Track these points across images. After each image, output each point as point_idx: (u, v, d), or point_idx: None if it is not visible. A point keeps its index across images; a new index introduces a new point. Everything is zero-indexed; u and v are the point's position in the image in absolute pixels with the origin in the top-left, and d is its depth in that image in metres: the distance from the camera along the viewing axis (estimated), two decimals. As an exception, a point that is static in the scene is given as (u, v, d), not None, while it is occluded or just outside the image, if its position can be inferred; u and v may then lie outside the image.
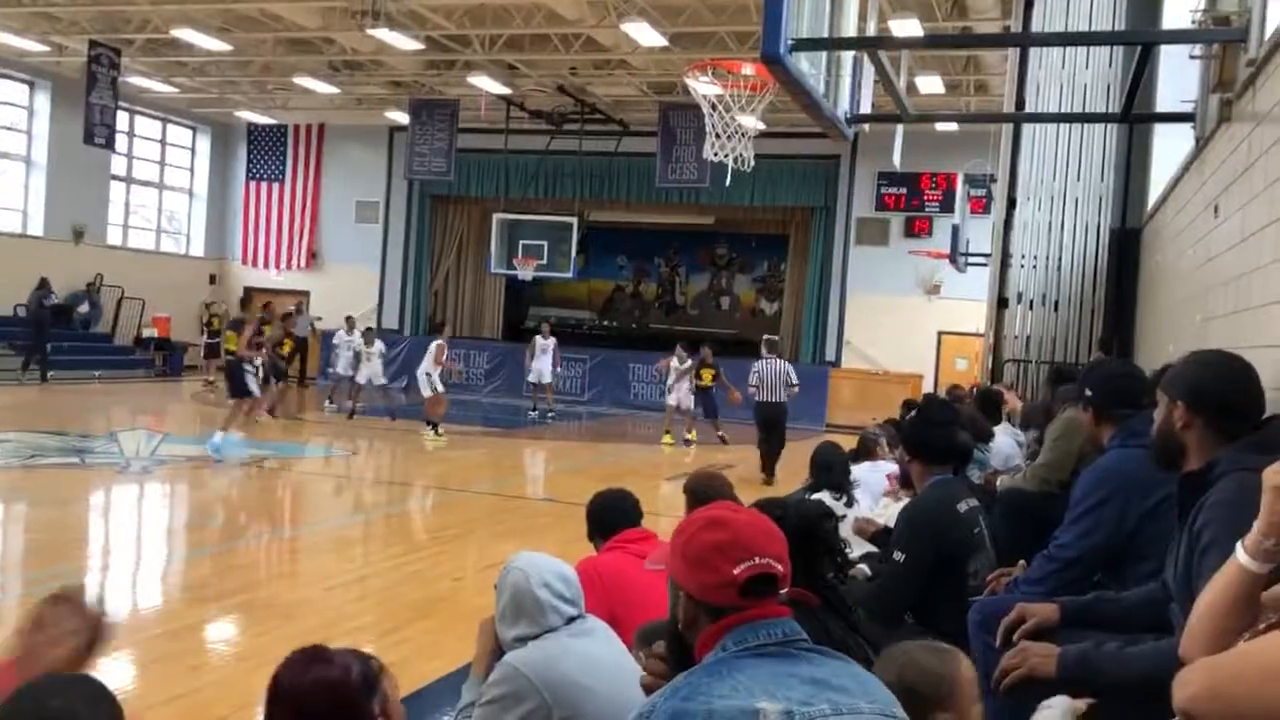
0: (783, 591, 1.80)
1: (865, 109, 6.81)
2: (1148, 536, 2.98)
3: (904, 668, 2.03)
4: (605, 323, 28.02)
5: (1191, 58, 6.32)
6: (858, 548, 4.33)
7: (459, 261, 26.18)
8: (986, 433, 6.34)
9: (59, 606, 2.05)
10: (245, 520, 9.77)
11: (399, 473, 13.36)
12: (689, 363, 15.83)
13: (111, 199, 23.62)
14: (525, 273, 21.30)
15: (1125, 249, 9.66)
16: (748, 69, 10.69)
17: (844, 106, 6.12)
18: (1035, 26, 9.87)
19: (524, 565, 2.76)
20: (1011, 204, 10.26)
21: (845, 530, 4.26)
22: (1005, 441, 6.56)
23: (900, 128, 8.93)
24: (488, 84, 19.50)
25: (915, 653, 2.09)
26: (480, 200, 24.71)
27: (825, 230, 22.42)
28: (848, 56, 6.12)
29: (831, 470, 5.52)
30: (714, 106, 11.15)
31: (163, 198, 25.64)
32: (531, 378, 18.79)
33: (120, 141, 22.06)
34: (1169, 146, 8.35)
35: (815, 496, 5.12)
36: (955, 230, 17.15)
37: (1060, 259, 9.94)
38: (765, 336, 15.02)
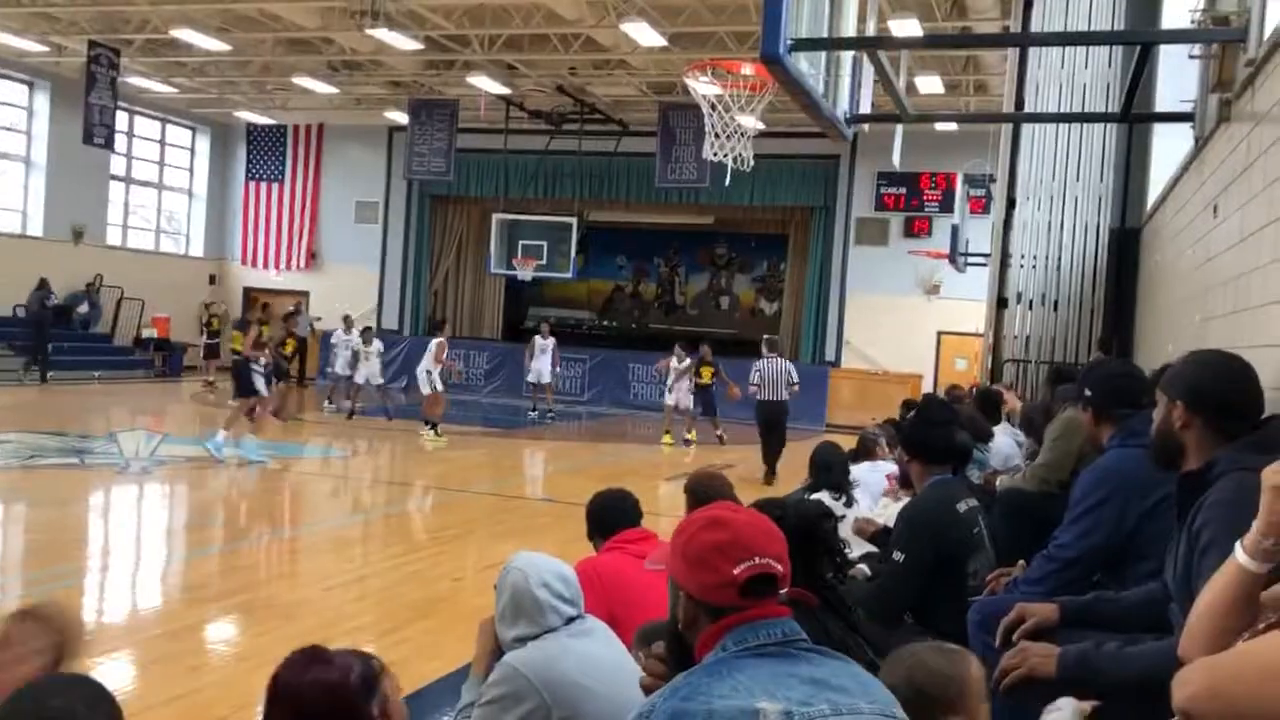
0: (782, 591, 1.80)
1: (865, 109, 6.81)
2: (1147, 536, 2.98)
3: (913, 669, 2.03)
4: (605, 323, 28.03)
5: (1191, 57, 6.33)
6: (857, 548, 4.33)
7: (458, 262, 26.18)
8: (986, 433, 6.33)
9: (25, 624, 2.03)
10: (245, 521, 9.78)
11: (398, 473, 13.36)
12: (687, 362, 15.83)
13: (111, 199, 23.62)
14: (525, 273, 21.31)
15: (1125, 249, 9.66)
16: (747, 69, 10.70)
17: (843, 106, 6.12)
18: (1034, 26, 9.87)
19: (523, 565, 2.76)
20: (1011, 204, 10.26)
21: (845, 530, 4.26)
22: (1004, 441, 6.56)
23: (900, 128, 8.92)
24: (487, 84, 19.50)
25: (924, 654, 2.09)
26: (480, 200, 24.71)
27: (825, 230, 22.42)
28: (847, 56, 6.12)
29: (831, 470, 5.53)
30: (713, 106, 11.15)
31: (162, 198, 25.63)
32: (531, 378, 18.79)
33: (120, 142, 22.07)
34: (1168, 146, 8.36)
35: (814, 496, 5.12)
36: (955, 230, 17.16)
37: (1060, 259, 9.94)
38: (765, 336, 15.01)
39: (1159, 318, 7.87)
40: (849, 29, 5.48)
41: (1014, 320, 10.17)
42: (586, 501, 3.93)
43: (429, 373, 14.97)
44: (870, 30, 6.20)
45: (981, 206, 18.33)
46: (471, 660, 2.92)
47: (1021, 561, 3.45)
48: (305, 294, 25.18)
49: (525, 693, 2.59)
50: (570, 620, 2.73)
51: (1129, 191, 9.81)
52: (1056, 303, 9.95)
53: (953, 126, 17.58)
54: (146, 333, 23.47)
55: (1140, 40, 6.79)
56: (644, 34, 15.63)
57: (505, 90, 20.09)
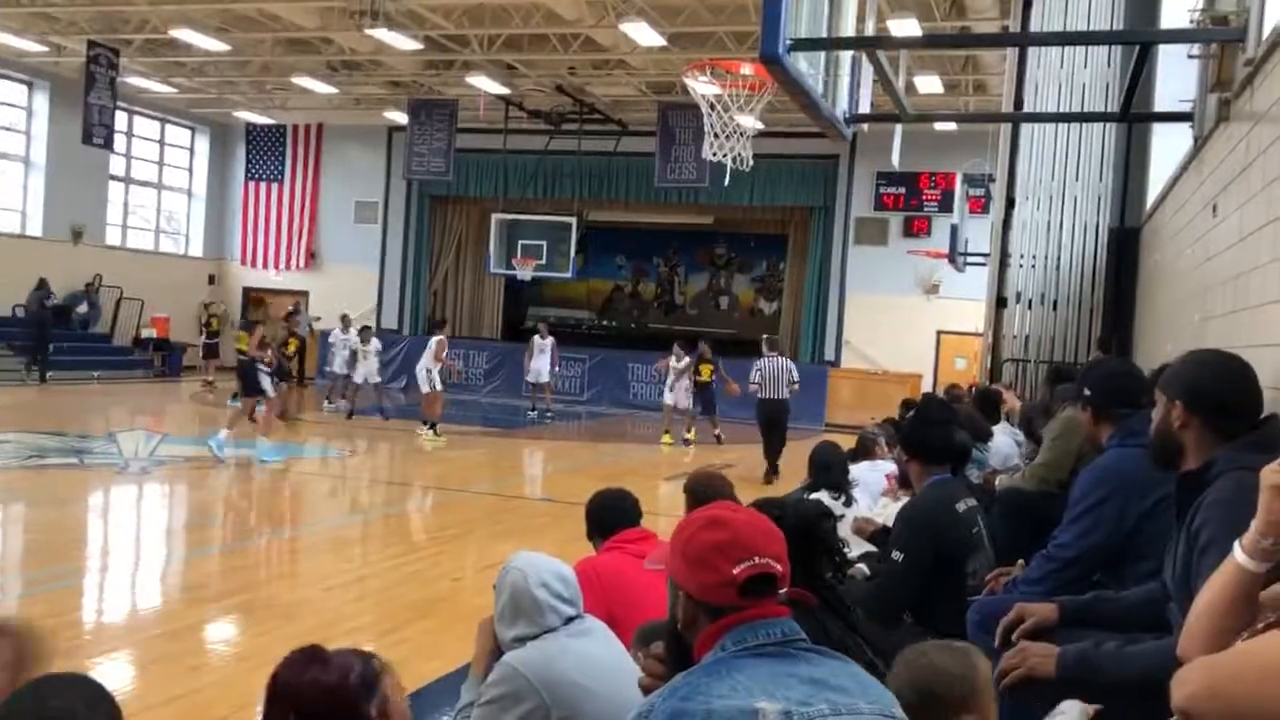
0: (782, 591, 1.80)
1: (864, 109, 6.81)
2: (1146, 536, 2.98)
3: (923, 670, 2.02)
4: (604, 322, 28.02)
5: (1190, 57, 6.33)
6: (856, 547, 4.33)
7: (458, 261, 26.18)
8: (985, 432, 6.34)
9: None
10: (244, 521, 9.78)
11: (398, 473, 13.36)
12: (686, 360, 15.83)
13: (110, 199, 23.61)
14: (524, 273, 21.30)
15: (1124, 248, 9.66)
16: (746, 69, 10.70)
17: (842, 106, 6.12)
18: (1034, 26, 9.87)
19: (522, 565, 2.76)
20: (1010, 203, 10.26)
21: (844, 530, 4.26)
22: (1004, 441, 6.56)
23: (899, 127, 8.91)
24: (486, 84, 19.50)
25: (934, 654, 2.08)
26: (479, 200, 24.71)
27: (824, 230, 22.42)
28: (846, 56, 6.11)
29: (830, 470, 5.53)
30: (713, 106, 11.15)
31: (161, 198, 25.62)
32: (530, 378, 18.80)
33: (119, 142, 22.06)
34: (1167, 146, 8.36)
35: (814, 496, 5.12)
36: (954, 230, 17.16)
37: (1059, 258, 9.94)
38: (766, 335, 15.01)
39: (1158, 317, 7.88)
40: (848, 29, 5.48)
41: (1013, 320, 10.17)
42: (586, 501, 3.93)
43: (429, 371, 14.96)
44: (869, 30, 6.20)
45: (981, 206, 18.34)
46: (471, 660, 2.92)
47: (1020, 561, 3.45)
48: (305, 294, 25.16)
49: (524, 693, 2.59)
50: (569, 620, 2.73)
51: (1128, 191, 9.81)
52: (1056, 302, 9.95)
53: (952, 126, 17.58)
54: (146, 333, 23.47)
55: (1139, 40, 6.79)
56: (643, 34, 15.62)
57: (504, 90, 20.09)
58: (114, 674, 5.03)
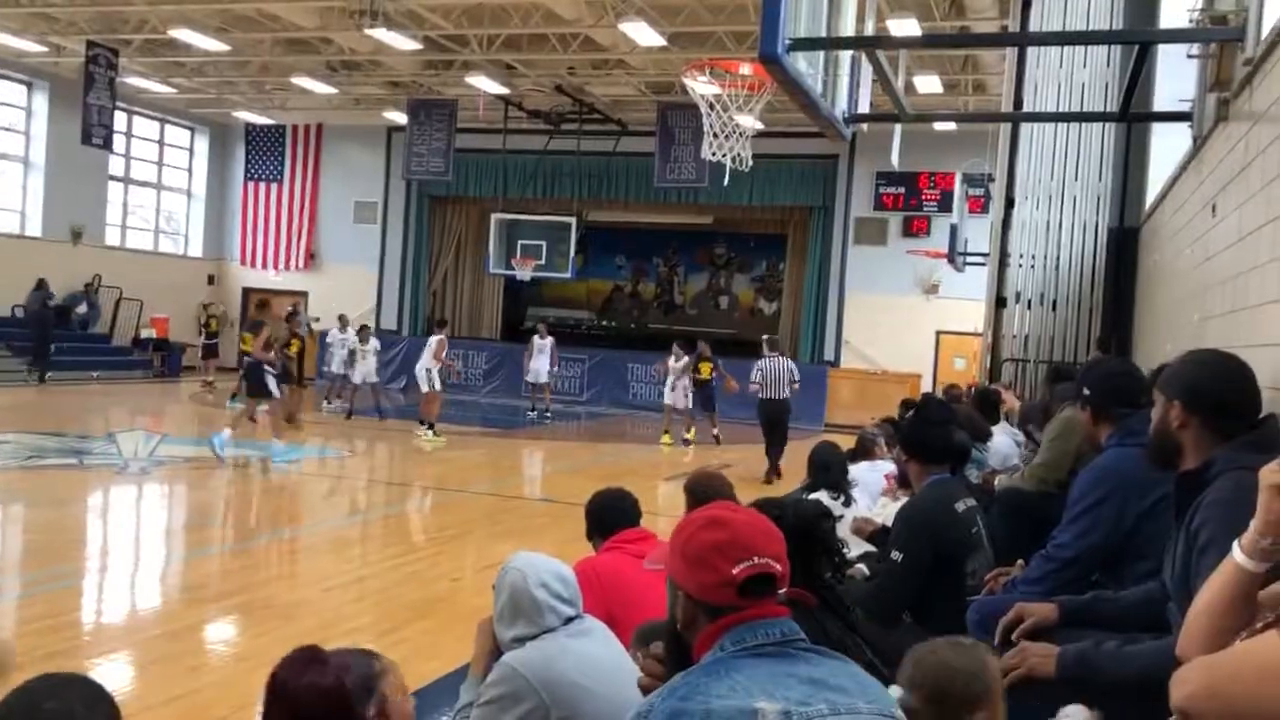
0: (781, 591, 1.80)
1: (863, 108, 6.81)
2: (1146, 536, 2.98)
3: (934, 668, 2.02)
4: (604, 323, 28.02)
5: (1189, 57, 6.33)
6: (856, 547, 4.33)
7: (457, 262, 26.18)
8: (984, 432, 6.34)
9: None
10: (244, 521, 9.78)
11: (397, 473, 13.36)
12: (685, 360, 15.84)
13: (109, 199, 23.61)
14: (524, 273, 21.30)
15: (1123, 248, 9.66)
16: (746, 69, 10.70)
17: (842, 106, 6.12)
18: (1033, 26, 9.87)
19: (522, 565, 2.76)
20: (1009, 203, 10.26)
21: (843, 530, 4.27)
22: (1003, 441, 6.56)
23: (898, 127, 8.91)
24: (486, 84, 19.50)
25: (944, 652, 2.08)
26: (478, 200, 24.71)
27: (823, 230, 22.42)
28: (845, 56, 6.11)
29: (829, 470, 5.53)
30: (712, 106, 11.16)
31: (161, 198, 25.62)
32: (529, 378, 18.80)
33: (118, 142, 22.06)
34: (1167, 145, 8.36)
35: (813, 496, 5.12)
36: (953, 230, 17.15)
37: (1058, 258, 9.94)
38: (766, 335, 15.02)
39: (1157, 317, 7.88)
40: (847, 29, 5.48)
41: (1012, 319, 10.17)
42: (585, 501, 3.93)
43: (428, 370, 14.96)
44: (869, 30, 6.19)
45: (980, 206, 18.34)
46: (470, 660, 2.92)
47: (1020, 561, 3.45)
48: (304, 294, 25.16)
49: (524, 693, 2.59)
50: (569, 620, 2.74)
51: (1127, 191, 9.82)
52: (1055, 302, 9.95)
53: (951, 126, 17.58)
54: (145, 333, 23.47)
55: (1138, 39, 6.79)
56: (642, 34, 15.63)
57: (504, 90, 20.09)
58: (113, 674, 5.04)
